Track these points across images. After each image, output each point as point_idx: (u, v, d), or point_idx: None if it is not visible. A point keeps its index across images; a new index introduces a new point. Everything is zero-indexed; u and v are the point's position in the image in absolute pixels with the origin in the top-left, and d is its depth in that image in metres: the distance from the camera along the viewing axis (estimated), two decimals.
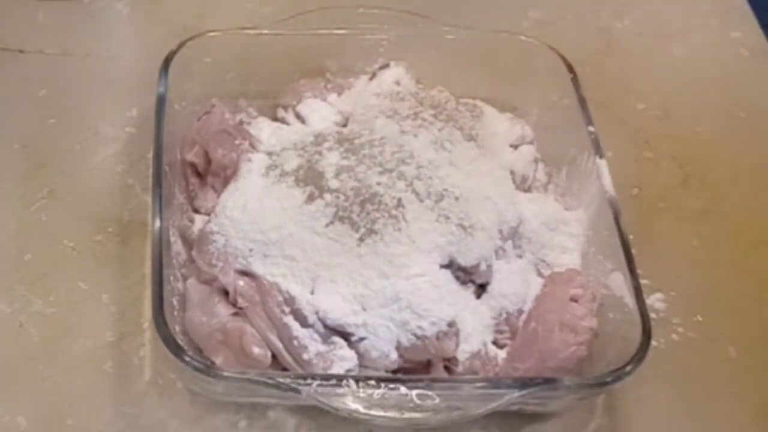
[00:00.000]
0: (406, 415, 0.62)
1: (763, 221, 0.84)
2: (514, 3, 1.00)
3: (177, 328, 0.67)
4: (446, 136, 0.75)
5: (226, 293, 0.69)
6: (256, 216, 0.70)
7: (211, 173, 0.76)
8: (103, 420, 0.68)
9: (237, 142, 0.76)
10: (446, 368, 0.69)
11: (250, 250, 0.70)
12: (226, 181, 0.75)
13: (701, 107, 0.93)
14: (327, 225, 0.69)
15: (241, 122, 0.80)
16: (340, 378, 0.63)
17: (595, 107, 0.79)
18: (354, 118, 0.80)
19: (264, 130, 0.79)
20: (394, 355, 0.68)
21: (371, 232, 0.69)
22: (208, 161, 0.76)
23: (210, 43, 0.81)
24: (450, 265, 0.70)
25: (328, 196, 0.70)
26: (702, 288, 0.79)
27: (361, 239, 0.69)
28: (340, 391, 0.62)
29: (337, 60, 0.85)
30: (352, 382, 0.62)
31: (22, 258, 0.76)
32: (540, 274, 0.75)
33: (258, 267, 0.69)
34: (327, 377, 0.64)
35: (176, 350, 0.63)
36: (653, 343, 0.66)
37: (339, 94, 0.84)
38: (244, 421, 0.69)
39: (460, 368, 0.69)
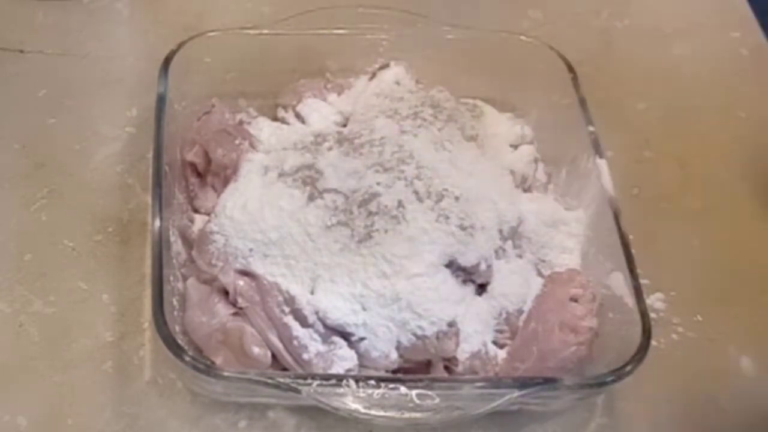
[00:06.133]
0: (406, 415, 0.62)
1: (763, 221, 0.84)
2: (514, 3, 1.00)
3: (177, 328, 0.67)
4: (446, 136, 0.75)
5: (226, 293, 0.69)
6: (256, 216, 0.70)
7: (211, 173, 0.76)
8: (103, 420, 0.68)
9: (237, 142, 0.77)
10: (446, 368, 0.69)
11: (250, 250, 0.70)
12: (226, 181, 0.75)
13: (701, 107, 0.93)
14: (327, 225, 0.69)
15: (241, 122, 0.80)
16: (340, 378, 0.63)
17: (595, 107, 0.79)
18: (354, 118, 0.80)
19: (264, 130, 0.79)
20: (394, 355, 0.68)
21: (371, 232, 0.69)
22: (208, 161, 0.76)
23: (210, 43, 0.81)
24: (450, 265, 0.70)
25: (328, 196, 0.70)
26: (702, 288, 0.79)
27: (361, 239, 0.69)
28: (340, 391, 0.62)
29: (337, 60, 0.85)
30: (352, 382, 0.62)
31: (22, 258, 0.76)
32: (540, 274, 0.75)
33: (258, 267, 0.69)
34: (327, 377, 0.64)
35: (176, 350, 0.63)
36: (653, 343, 0.66)
37: (339, 94, 0.84)
38: (244, 421, 0.69)
39: (460, 368, 0.69)
